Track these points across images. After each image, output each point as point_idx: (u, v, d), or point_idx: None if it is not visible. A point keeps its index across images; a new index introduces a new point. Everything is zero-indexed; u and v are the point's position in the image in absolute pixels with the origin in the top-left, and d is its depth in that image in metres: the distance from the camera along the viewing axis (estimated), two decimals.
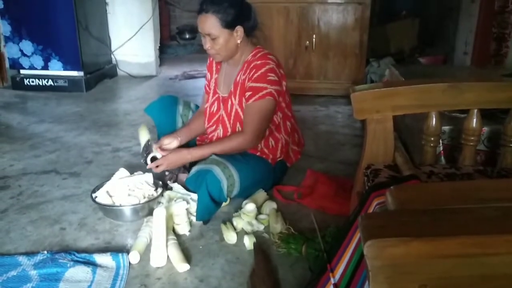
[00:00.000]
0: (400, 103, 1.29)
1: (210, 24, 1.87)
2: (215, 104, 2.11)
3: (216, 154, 1.91)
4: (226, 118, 2.05)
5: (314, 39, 3.69)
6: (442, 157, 1.56)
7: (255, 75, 1.91)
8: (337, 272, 1.21)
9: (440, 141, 1.54)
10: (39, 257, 1.61)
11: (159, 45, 4.58)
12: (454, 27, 3.73)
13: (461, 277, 0.62)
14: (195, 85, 4.14)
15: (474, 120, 1.31)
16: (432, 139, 1.34)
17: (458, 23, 3.68)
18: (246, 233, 1.76)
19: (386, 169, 1.29)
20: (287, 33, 3.70)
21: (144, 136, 2.09)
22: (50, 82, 3.80)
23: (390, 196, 0.72)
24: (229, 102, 2.03)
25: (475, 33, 3.22)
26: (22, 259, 1.61)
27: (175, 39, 6.37)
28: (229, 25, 1.89)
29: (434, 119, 1.31)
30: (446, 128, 1.60)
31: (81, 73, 3.82)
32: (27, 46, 3.75)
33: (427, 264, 0.60)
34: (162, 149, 1.97)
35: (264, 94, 1.90)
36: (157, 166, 1.93)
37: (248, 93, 1.93)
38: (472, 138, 1.32)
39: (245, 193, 1.95)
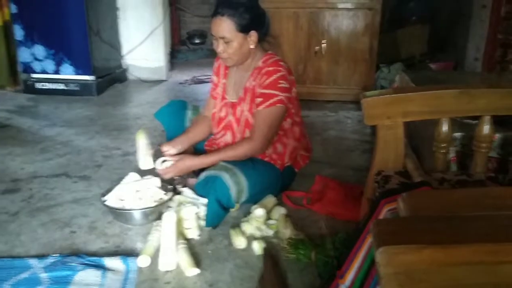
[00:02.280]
0: (411, 109, 1.28)
1: (225, 27, 1.88)
2: (224, 109, 2.11)
3: (224, 161, 1.92)
4: (234, 124, 2.06)
5: (324, 45, 3.69)
6: (453, 164, 1.55)
7: (266, 82, 1.91)
8: (347, 278, 1.21)
9: (452, 148, 1.53)
10: (49, 260, 1.62)
11: (169, 50, 4.60)
12: (465, 33, 3.72)
13: (474, 284, 0.61)
14: (205, 90, 4.15)
15: (486, 126, 1.30)
16: (443, 145, 1.33)
17: (469, 29, 3.66)
18: (255, 238, 1.76)
19: (396, 175, 1.28)
20: (296, 38, 3.71)
21: (141, 141, 2.08)
22: (62, 86, 3.83)
23: (402, 203, 0.72)
24: (238, 108, 2.03)
25: (486, 39, 3.20)
26: (32, 261, 1.62)
27: (185, 44, 6.40)
28: (244, 30, 1.89)
29: (445, 125, 1.31)
30: (457, 134, 1.59)
31: (92, 78, 3.85)
32: (39, 50, 3.79)
33: (439, 272, 0.59)
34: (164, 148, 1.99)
35: (274, 101, 1.90)
36: (165, 173, 1.94)
37: (258, 99, 1.93)
38: (484, 145, 1.31)
39: (254, 199, 1.95)
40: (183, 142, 2.09)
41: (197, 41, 6.38)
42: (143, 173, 2.07)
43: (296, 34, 3.70)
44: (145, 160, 2.06)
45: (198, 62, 5.42)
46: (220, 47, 1.93)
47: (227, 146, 2.05)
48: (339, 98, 3.78)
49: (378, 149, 1.34)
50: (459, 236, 0.59)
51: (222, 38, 1.90)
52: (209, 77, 4.57)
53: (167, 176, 1.95)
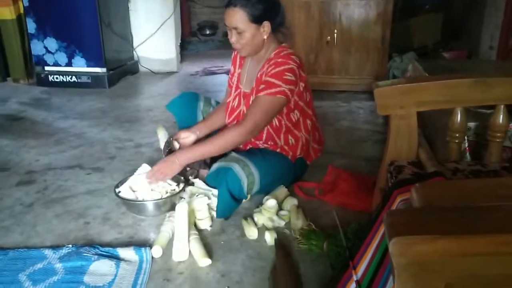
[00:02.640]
0: (425, 98, 1.27)
1: (238, 18, 1.87)
2: (237, 99, 2.11)
3: (235, 152, 1.91)
4: None
5: (335, 34, 3.66)
6: (467, 154, 1.53)
7: (272, 71, 1.90)
8: (360, 269, 1.21)
9: (466, 138, 1.51)
10: (64, 251, 1.65)
11: (180, 41, 4.60)
12: (479, 21, 3.66)
13: (488, 275, 0.61)
14: (216, 81, 4.15)
15: (501, 116, 1.28)
16: (457, 135, 1.32)
17: (484, 17, 3.60)
18: (267, 229, 1.77)
19: (409, 165, 1.27)
20: (308, 28, 3.68)
21: (162, 134, 2.11)
22: (74, 79, 3.86)
23: (415, 193, 0.71)
24: (251, 98, 2.03)
25: (501, 28, 3.15)
26: (48, 252, 1.64)
27: (196, 35, 6.39)
28: (257, 20, 1.88)
29: (459, 115, 1.29)
30: (471, 124, 1.57)
31: (104, 70, 3.86)
32: (51, 43, 3.81)
33: (454, 262, 0.59)
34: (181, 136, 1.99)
35: (276, 91, 1.88)
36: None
37: (261, 86, 1.91)
38: (499, 134, 1.30)
39: (266, 190, 1.95)
40: (201, 129, 2.11)
41: (207, 32, 6.37)
42: (155, 164, 2.08)
43: (307, 24, 3.67)
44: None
45: (209, 54, 5.41)
46: (233, 38, 1.92)
47: (217, 135, 2.00)
48: (351, 88, 3.75)
49: (391, 139, 1.33)
50: (473, 227, 0.59)
51: (235, 28, 1.89)
52: (220, 68, 4.57)
53: (153, 180, 1.90)
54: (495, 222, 0.60)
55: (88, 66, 3.85)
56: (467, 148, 1.53)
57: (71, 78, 3.86)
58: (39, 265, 1.58)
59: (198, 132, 2.07)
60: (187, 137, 2.02)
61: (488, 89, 1.24)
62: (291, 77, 1.90)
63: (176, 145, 2.01)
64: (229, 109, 2.13)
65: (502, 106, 1.28)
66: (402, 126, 1.30)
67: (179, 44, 4.55)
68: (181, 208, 1.67)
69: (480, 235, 0.57)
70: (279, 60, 1.91)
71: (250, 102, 2.02)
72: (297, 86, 1.95)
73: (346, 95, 3.66)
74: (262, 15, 1.88)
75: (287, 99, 1.93)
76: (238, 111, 2.09)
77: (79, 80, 3.85)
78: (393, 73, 3.87)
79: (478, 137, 1.56)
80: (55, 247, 1.67)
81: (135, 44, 4.41)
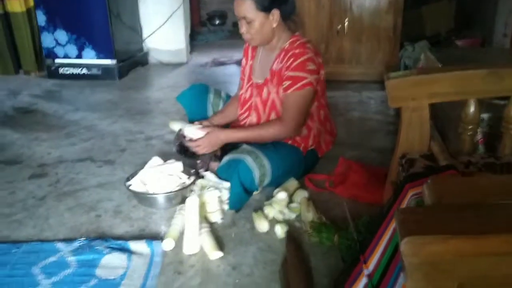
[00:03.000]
0: (437, 90, 1.25)
1: (246, 7, 1.86)
2: (249, 90, 2.10)
3: (247, 143, 1.91)
4: (260, 106, 2.04)
5: (346, 23, 3.61)
6: (481, 146, 1.51)
7: (294, 64, 1.89)
8: (371, 263, 1.20)
9: (479, 129, 1.49)
10: (76, 244, 1.66)
11: (189, 32, 4.58)
12: (493, 9, 3.58)
13: (501, 276, 0.60)
14: (225, 72, 4.14)
15: None
16: (470, 127, 1.29)
17: (497, 4, 3.53)
18: (278, 221, 1.76)
19: (421, 158, 1.26)
20: (318, 17, 3.64)
21: (176, 127, 2.10)
22: (84, 71, 3.87)
23: (428, 190, 0.70)
24: (265, 90, 2.01)
25: None
26: (60, 245, 1.66)
27: (205, 25, 6.36)
28: (265, 8, 1.86)
29: (472, 106, 1.27)
30: (484, 115, 1.55)
31: (114, 61, 3.87)
32: (61, 35, 3.82)
33: (466, 262, 0.58)
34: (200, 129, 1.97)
35: (303, 84, 1.88)
36: (197, 146, 1.95)
37: (286, 83, 1.90)
38: None
39: (277, 182, 1.95)
40: (218, 121, 2.12)
41: (217, 22, 6.34)
42: (166, 157, 2.09)
43: (317, 13, 3.63)
44: (194, 130, 2.02)
45: (219, 44, 5.38)
46: (243, 28, 1.91)
47: (258, 125, 2.04)
48: (362, 77, 3.71)
49: (403, 131, 1.31)
50: (487, 226, 0.57)
51: (244, 18, 1.88)
52: (229, 58, 4.55)
53: (198, 150, 1.95)
54: (508, 221, 0.59)
55: (98, 58, 3.85)
56: (480, 140, 1.51)
57: (81, 70, 3.87)
58: (52, 258, 1.60)
59: (215, 122, 2.08)
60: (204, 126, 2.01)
61: (501, 80, 1.21)
62: (313, 66, 1.90)
63: (186, 132, 2.00)
64: (241, 101, 2.13)
65: None
66: (414, 118, 1.28)
67: (188, 34, 4.54)
68: (192, 201, 1.67)
69: (493, 235, 0.56)
70: (297, 51, 1.90)
71: (264, 93, 2.01)
72: (319, 74, 1.95)
73: (357, 85, 3.62)
74: (270, 3, 1.87)
75: (314, 89, 1.93)
76: (250, 102, 2.09)
77: (89, 72, 3.86)
78: (405, 62, 3.81)
79: (492, 129, 1.54)
80: (67, 240, 1.69)
81: (144, 35, 4.41)
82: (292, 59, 1.90)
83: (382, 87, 3.55)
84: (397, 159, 1.32)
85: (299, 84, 1.88)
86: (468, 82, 1.24)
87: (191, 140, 1.97)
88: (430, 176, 1.12)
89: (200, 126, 1.99)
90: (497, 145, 1.36)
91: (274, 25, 1.91)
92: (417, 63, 2.45)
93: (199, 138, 1.95)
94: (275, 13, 1.89)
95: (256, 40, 1.95)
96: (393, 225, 1.15)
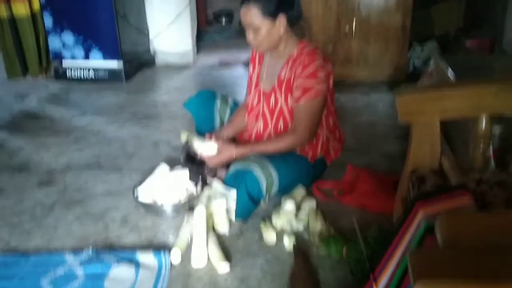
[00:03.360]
0: (448, 106, 1.23)
1: (252, 14, 1.84)
2: (256, 97, 2.09)
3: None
4: (268, 113, 2.03)
5: (354, 24, 3.58)
6: (492, 160, 1.48)
7: (304, 73, 1.87)
8: (381, 282, 1.19)
9: (490, 143, 1.46)
10: (84, 255, 1.66)
11: (196, 32, 4.56)
12: (504, 8, 3.53)
13: None
14: (232, 74, 4.11)
15: None
16: (482, 143, 1.27)
17: (508, 3, 3.48)
18: (286, 233, 1.75)
19: (432, 174, 1.24)
20: (325, 19, 3.60)
21: (184, 137, 2.09)
22: (91, 73, 3.86)
23: (439, 229, 0.68)
24: (273, 97, 2.00)
25: None
26: (68, 256, 1.66)
27: (212, 24, 6.33)
28: (271, 15, 1.85)
29: (484, 123, 1.25)
30: (496, 128, 1.52)
31: (121, 63, 3.86)
32: (68, 37, 3.81)
33: None
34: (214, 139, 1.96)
35: (314, 93, 1.87)
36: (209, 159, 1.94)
37: (297, 92, 1.89)
38: None
39: (284, 191, 1.94)
40: (228, 133, 2.11)
41: (224, 20, 6.30)
42: (173, 162, 2.08)
43: (324, 15, 3.59)
44: (205, 146, 2.00)
45: (225, 44, 5.35)
46: (250, 35, 1.90)
47: (270, 138, 2.03)
48: (370, 79, 3.67)
49: (413, 147, 1.29)
50: (500, 271, 0.56)
51: (251, 25, 1.87)
52: (236, 59, 4.53)
53: (212, 164, 1.94)
54: None
55: (105, 59, 3.84)
56: (491, 155, 1.48)
57: (88, 73, 3.87)
58: (60, 270, 1.60)
59: (225, 134, 2.06)
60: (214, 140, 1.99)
61: None
62: (323, 74, 1.89)
63: (196, 147, 1.98)
64: (248, 107, 2.12)
65: None
66: (424, 134, 1.26)
67: (195, 35, 4.51)
68: (199, 212, 1.67)
69: (506, 281, 0.54)
70: (306, 59, 1.88)
71: (272, 101, 2.00)
72: (329, 82, 1.94)
73: (365, 86, 3.59)
74: (276, 9, 1.85)
75: (325, 97, 1.92)
76: (258, 109, 2.07)
77: (96, 74, 3.86)
78: (414, 62, 3.78)
79: (504, 143, 1.51)
80: (75, 251, 1.69)
81: (151, 36, 4.39)
82: (301, 67, 1.88)
83: (391, 89, 3.53)
84: (407, 174, 1.30)
85: (310, 93, 1.87)
86: (479, 98, 1.22)
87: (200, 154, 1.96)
88: (441, 195, 1.10)
89: (210, 141, 1.95)
90: (509, 159, 1.34)
91: (281, 31, 1.90)
92: (427, 64, 2.41)
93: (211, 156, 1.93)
94: (282, 19, 1.88)
95: (263, 47, 1.94)
96: (403, 244, 1.14)
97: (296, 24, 1.96)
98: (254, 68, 2.14)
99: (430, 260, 0.58)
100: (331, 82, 1.97)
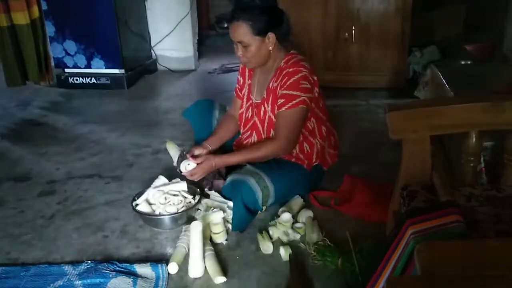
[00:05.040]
0: (438, 123, 1.24)
1: (242, 32, 1.86)
2: (249, 110, 2.11)
3: (250, 164, 1.92)
4: (259, 124, 2.05)
5: (353, 31, 3.59)
6: (484, 175, 1.50)
7: (288, 83, 1.89)
8: None
9: (482, 158, 1.48)
10: (83, 267, 1.69)
11: (197, 38, 4.58)
12: (504, 13, 3.53)
13: None
14: (233, 79, 4.09)
15: None
16: (472, 159, 1.29)
17: (508, 9, 3.48)
18: (282, 243, 1.77)
19: (423, 190, 1.25)
20: (325, 25, 3.62)
21: (173, 149, 2.12)
22: (93, 80, 3.90)
23: (419, 258, 0.70)
24: (262, 109, 2.02)
25: None
26: (67, 268, 1.69)
27: (214, 28, 6.36)
28: (261, 32, 1.87)
29: (474, 138, 1.26)
30: (488, 143, 1.53)
31: (122, 71, 3.89)
32: (70, 45, 3.85)
33: None
34: (194, 157, 1.97)
35: (297, 102, 1.88)
36: (192, 175, 1.95)
37: (280, 101, 1.91)
38: None
39: (281, 201, 1.96)
40: (213, 143, 2.11)
41: (225, 25, 6.32)
42: (173, 171, 2.10)
43: (324, 21, 3.61)
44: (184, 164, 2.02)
45: (227, 48, 5.35)
46: (239, 52, 1.92)
47: (251, 145, 2.05)
48: (370, 85, 3.68)
49: (404, 163, 1.31)
50: None
51: (240, 42, 1.88)
52: (237, 65, 4.54)
53: (194, 178, 1.96)
54: None
55: (107, 67, 3.88)
56: (483, 169, 1.49)
57: (90, 80, 3.90)
58: (59, 282, 1.63)
59: (210, 146, 2.08)
60: (200, 153, 2.01)
61: (503, 112, 1.20)
62: (307, 84, 1.90)
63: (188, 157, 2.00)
64: (243, 121, 2.13)
65: None
66: (415, 150, 1.28)
67: (196, 41, 4.54)
68: (196, 226, 1.68)
69: None
70: (291, 69, 1.90)
71: (262, 112, 2.02)
72: (313, 92, 1.95)
73: (365, 92, 3.60)
74: (265, 27, 1.87)
75: (308, 107, 1.92)
76: (252, 121, 2.09)
77: (98, 82, 3.89)
78: (413, 68, 3.79)
79: (495, 157, 1.52)
80: (74, 262, 1.71)
81: (152, 42, 4.42)
82: (286, 78, 1.90)
83: (391, 95, 3.54)
84: (399, 190, 1.32)
85: (292, 102, 1.88)
86: (469, 115, 1.23)
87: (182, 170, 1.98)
88: (430, 213, 1.12)
89: (192, 161, 1.96)
90: (501, 174, 1.35)
91: (270, 48, 1.92)
92: (424, 78, 2.43)
93: (195, 167, 1.93)
94: (271, 36, 1.90)
95: (252, 63, 1.96)
96: (393, 260, 1.15)
97: (286, 39, 1.98)
98: (244, 80, 2.16)
99: None
100: (316, 92, 1.97)
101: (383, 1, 3.50)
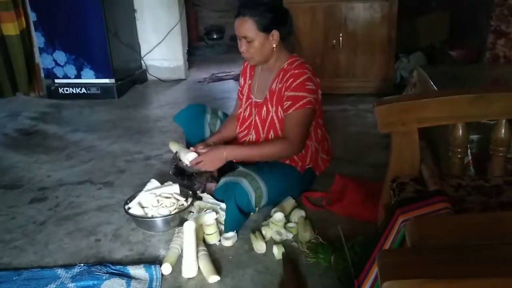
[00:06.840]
0: (426, 115, 1.27)
1: (247, 27, 1.90)
2: (248, 109, 2.13)
3: (243, 165, 1.94)
4: (259, 124, 2.07)
5: (341, 38, 3.65)
6: (471, 167, 1.53)
7: (294, 84, 1.92)
8: (365, 287, 1.22)
9: (469, 151, 1.51)
10: (76, 270, 1.68)
11: (187, 48, 4.62)
12: (487, 19, 3.61)
13: None
14: (223, 88, 4.17)
15: (503, 130, 1.28)
16: (459, 150, 1.32)
17: (490, 17, 3.55)
18: (275, 242, 1.78)
19: (412, 182, 1.28)
20: (313, 32, 3.67)
21: (177, 147, 2.13)
22: (83, 90, 3.91)
23: (409, 230, 0.72)
24: (264, 109, 2.04)
25: None
26: (60, 271, 1.68)
27: (203, 39, 6.41)
28: (265, 29, 1.91)
29: (460, 130, 1.29)
30: (474, 136, 1.57)
31: (113, 81, 3.90)
32: (60, 56, 3.87)
33: None
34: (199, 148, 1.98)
35: (303, 103, 1.91)
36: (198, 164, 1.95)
37: (287, 103, 1.94)
38: (501, 148, 1.29)
39: (274, 202, 1.97)
40: (216, 141, 2.13)
41: (215, 36, 6.39)
42: (165, 177, 2.11)
43: (312, 28, 3.67)
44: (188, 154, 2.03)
45: (216, 58, 5.43)
46: (243, 47, 1.95)
47: (260, 142, 2.06)
48: (359, 91, 3.74)
49: (393, 156, 1.33)
50: (467, 269, 0.59)
51: (244, 37, 1.92)
52: (227, 74, 4.59)
53: (201, 166, 1.95)
54: (487, 264, 0.60)
55: (97, 77, 3.89)
56: (470, 161, 1.52)
57: (80, 90, 3.91)
58: (52, 285, 1.61)
59: (213, 144, 2.09)
60: (203, 148, 2.02)
61: (488, 104, 1.23)
62: (312, 86, 1.94)
63: (185, 160, 2.01)
64: (240, 119, 2.16)
65: (504, 121, 1.28)
66: (404, 142, 1.30)
67: (186, 51, 4.58)
68: (189, 226, 1.69)
69: (471, 279, 0.58)
70: (296, 71, 1.94)
71: (263, 112, 2.04)
72: (318, 94, 1.99)
73: (353, 98, 3.65)
74: (270, 24, 1.91)
75: (314, 108, 1.96)
76: (249, 120, 2.11)
77: (88, 92, 3.90)
78: (401, 74, 3.86)
79: (482, 150, 1.56)
80: (67, 266, 1.71)
81: (142, 53, 4.45)
82: (292, 79, 1.93)
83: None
84: (388, 183, 1.34)
85: (299, 103, 1.91)
86: (456, 106, 1.26)
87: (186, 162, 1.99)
88: (419, 202, 1.14)
89: (194, 153, 1.98)
90: (488, 166, 1.38)
91: (274, 45, 1.96)
92: (410, 80, 2.48)
93: (202, 154, 1.93)
94: (275, 34, 1.93)
95: (255, 59, 1.99)
96: (386, 248, 1.17)
97: (288, 39, 2.02)
98: (245, 81, 2.19)
99: (397, 261, 0.61)
100: (319, 94, 2.02)
101: (370, 9, 3.57)
